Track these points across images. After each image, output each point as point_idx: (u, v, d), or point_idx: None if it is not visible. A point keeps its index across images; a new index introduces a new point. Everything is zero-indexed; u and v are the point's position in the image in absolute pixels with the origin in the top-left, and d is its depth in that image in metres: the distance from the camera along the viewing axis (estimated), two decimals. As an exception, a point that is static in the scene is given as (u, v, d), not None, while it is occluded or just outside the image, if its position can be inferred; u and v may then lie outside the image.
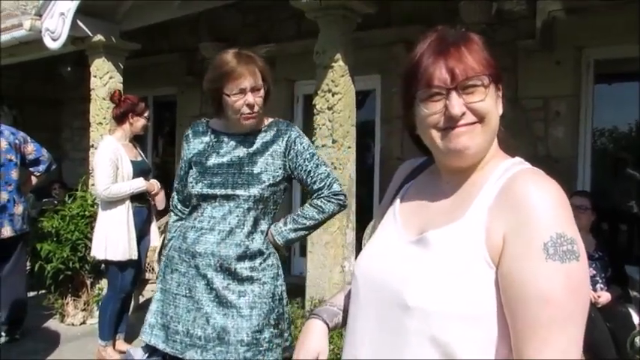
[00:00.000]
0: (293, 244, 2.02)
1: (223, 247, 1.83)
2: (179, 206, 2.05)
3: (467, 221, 0.84)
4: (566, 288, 0.75)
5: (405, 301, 0.83)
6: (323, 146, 3.30)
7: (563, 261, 0.75)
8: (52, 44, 4.52)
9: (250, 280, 1.84)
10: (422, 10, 4.34)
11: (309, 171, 1.88)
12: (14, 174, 3.71)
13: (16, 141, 3.74)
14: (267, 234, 1.90)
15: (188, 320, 1.85)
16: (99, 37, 4.52)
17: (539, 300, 0.75)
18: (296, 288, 3.98)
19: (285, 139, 1.89)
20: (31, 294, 4.14)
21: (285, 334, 1.92)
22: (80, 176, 6.04)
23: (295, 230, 1.91)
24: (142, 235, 3.53)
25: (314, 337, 1.04)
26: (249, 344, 1.79)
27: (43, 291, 4.26)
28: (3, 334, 3.85)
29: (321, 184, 1.89)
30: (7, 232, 3.64)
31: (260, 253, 1.87)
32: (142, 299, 4.52)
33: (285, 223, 1.91)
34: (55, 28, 4.44)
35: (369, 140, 4.99)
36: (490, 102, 0.87)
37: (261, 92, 1.83)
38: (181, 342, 1.84)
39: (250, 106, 1.80)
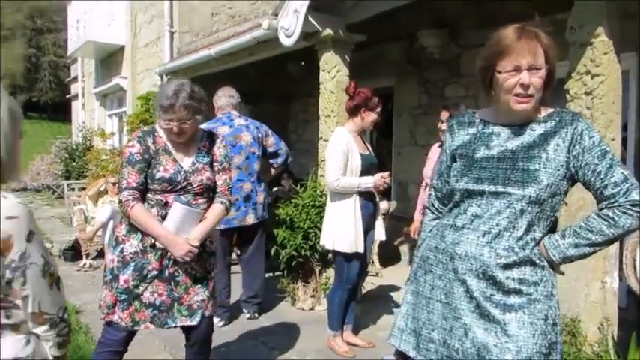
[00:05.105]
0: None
1: (487, 250, 1.59)
2: (436, 204, 1.87)
3: None
4: None
5: None
6: (579, 138, 2.85)
7: None
8: (286, 41, 4.76)
9: (519, 293, 1.57)
10: None
11: (599, 172, 1.53)
12: (256, 166, 3.99)
13: (259, 134, 4.01)
14: (538, 244, 1.61)
15: (444, 329, 1.66)
16: (328, 32, 4.62)
17: None
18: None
19: (571, 131, 1.56)
20: (267, 275, 4.43)
21: None
22: (304, 166, 6.41)
23: (576, 246, 1.57)
24: (368, 228, 3.50)
25: None
26: None
27: (278, 273, 4.54)
28: (244, 310, 4.22)
29: (615, 190, 1.51)
30: (251, 219, 3.95)
31: (532, 263, 1.59)
32: (363, 291, 4.55)
33: (564, 236, 1.59)
34: (289, 25, 4.66)
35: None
36: None
37: (541, 73, 1.54)
38: (437, 351, 1.67)
39: (524, 87, 1.53)
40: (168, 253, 2.40)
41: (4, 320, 1.27)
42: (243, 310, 4.22)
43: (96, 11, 11.45)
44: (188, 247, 2.37)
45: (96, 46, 11.68)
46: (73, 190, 9.54)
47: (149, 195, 2.44)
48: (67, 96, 19.18)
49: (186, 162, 2.48)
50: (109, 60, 12.27)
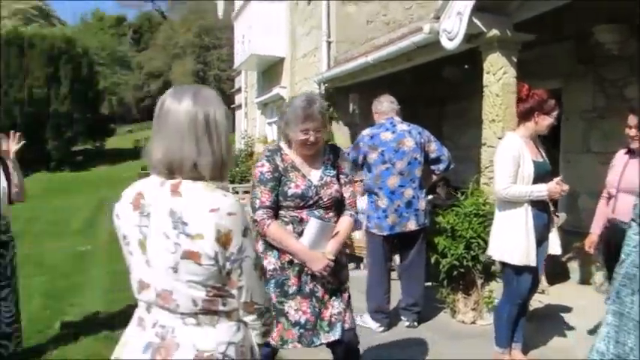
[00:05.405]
0: None
1: None
2: None
3: None
4: None
5: None
6: None
7: None
8: (449, 44, 4.63)
9: None
10: None
11: None
12: (418, 172, 3.94)
13: (422, 140, 3.96)
14: None
15: None
16: (494, 32, 4.42)
17: None
18: None
19: None
20: (426, 284, 4.33)
21: None
22: (460, 174, 6.16)
23: None
24: (541, 239, 3.25)
25: None
26: None
27: (436, 283, 4.42)
28: (403, 318, 4.17)
29: None
30: (413, 225, 3.90)
31: None
32: (530, 308, 4.24)
33: None
34: (452, 28, 4.53)
35: None
36: None
37: None
38: None
39: None
40: (305, 269, 2.41)
41: (221, 307, 1.38)
42: (402, 317, 4.19)
43: (259, 26, 12.27)
44: (326, 261, 2.39)
45: (258, 59, 12.51)
46: (237, 192, 10.28)
47: (282, 212, 2.46)
48: (231, 106, 20.83)
49: (315, 176, 2.49)
50: (270, 71, 13.06)
